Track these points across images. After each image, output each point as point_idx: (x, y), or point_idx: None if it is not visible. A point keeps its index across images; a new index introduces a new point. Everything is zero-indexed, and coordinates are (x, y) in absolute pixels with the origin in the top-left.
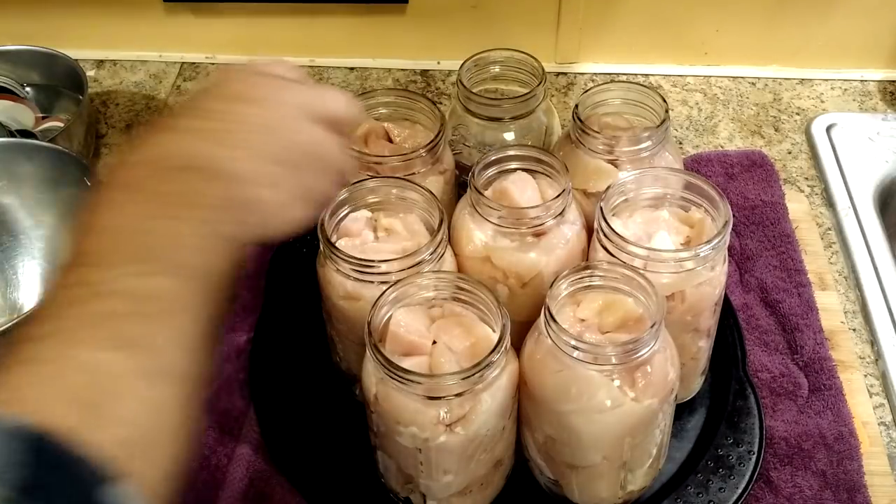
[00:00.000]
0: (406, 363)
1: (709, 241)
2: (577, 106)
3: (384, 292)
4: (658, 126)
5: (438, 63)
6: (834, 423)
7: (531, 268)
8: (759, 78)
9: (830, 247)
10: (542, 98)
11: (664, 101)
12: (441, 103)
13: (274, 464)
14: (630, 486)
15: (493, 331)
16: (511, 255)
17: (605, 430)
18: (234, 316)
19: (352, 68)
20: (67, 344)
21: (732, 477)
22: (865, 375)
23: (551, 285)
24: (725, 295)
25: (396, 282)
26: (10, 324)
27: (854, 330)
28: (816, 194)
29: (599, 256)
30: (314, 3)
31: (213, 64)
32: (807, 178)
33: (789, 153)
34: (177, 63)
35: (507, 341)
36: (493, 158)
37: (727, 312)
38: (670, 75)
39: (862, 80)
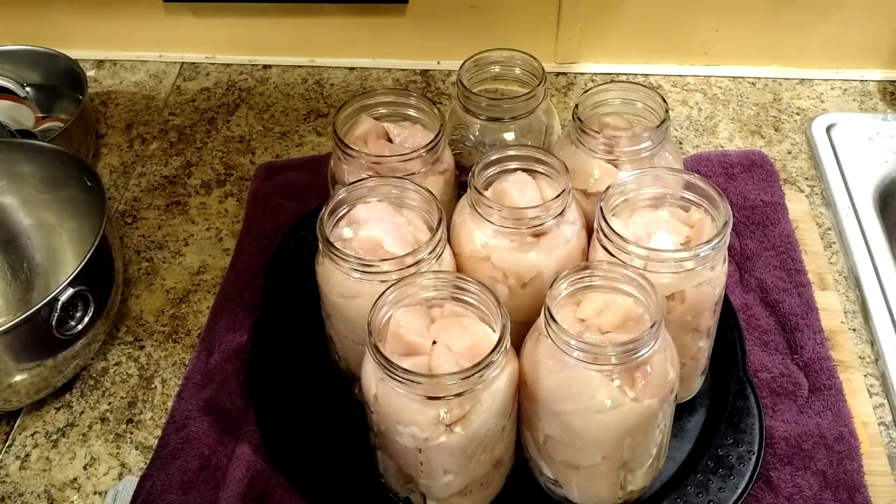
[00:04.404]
0: (406, 363)
1: (709, 241)
2: (577, 106)
3: (384, 292)
4: (658, 126)
5: (438, 63)
6: (834, 423)
7: (531, 268)
8: (759, 78)
9: (830, 247)
10: (542, 98)
11: (664, 101)
12: (441, 103)
13: (274, 464)
14: (630, 486)
15: (493, 331)
16: (511, 255)
17: (605, 430)
18: (234, 316)
19: (352, 68)
20: None
21: (732, 477)
22: (865, 375)
23: (551, 285)
24: (725, 295)
25: (396, 281)
26: (10, 324)
27: (854, 330)
28: (816, 194)
29: (599, 256)
30: (314, 3)
31: (212, 64)
32: (807, 178)
33: (789, 153)
34: (177, 63)
35: (507, 341)
36: (493, 158)
37: (727, 312)
38: (670, 75)
39: (862, 80)
